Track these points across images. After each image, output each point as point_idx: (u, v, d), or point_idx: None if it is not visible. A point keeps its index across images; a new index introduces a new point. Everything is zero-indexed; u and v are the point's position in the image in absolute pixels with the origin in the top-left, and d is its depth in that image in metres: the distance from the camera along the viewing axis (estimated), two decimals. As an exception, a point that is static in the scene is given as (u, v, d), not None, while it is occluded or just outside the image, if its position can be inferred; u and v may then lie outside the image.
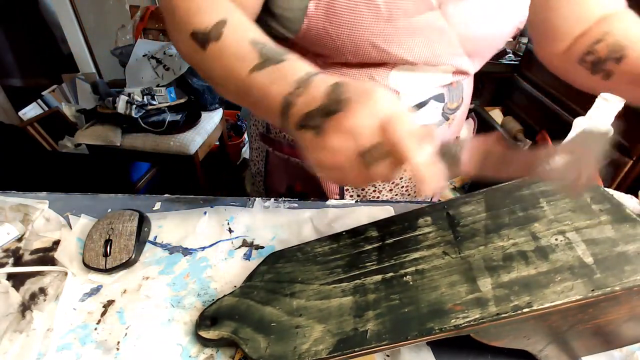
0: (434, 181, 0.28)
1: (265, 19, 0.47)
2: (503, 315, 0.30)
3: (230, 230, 0.50)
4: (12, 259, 0.47)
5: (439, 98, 0.54)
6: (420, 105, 0.53)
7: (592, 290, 0.29)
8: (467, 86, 0.58)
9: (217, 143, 1.85)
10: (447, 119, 0.56)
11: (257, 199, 0.55)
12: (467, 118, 0.73)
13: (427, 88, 0.52)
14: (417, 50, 0.46)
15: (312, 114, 0.31)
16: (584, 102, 1.46)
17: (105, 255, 0.45)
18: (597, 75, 0.50)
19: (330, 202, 0.55)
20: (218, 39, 0.38)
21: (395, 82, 0.51)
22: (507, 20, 0.49)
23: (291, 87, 0.33)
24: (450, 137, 0.61)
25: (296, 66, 0.35)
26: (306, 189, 0.63)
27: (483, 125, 2.09)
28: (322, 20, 0.43)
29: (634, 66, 0.46)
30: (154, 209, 0.54)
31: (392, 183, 0.60)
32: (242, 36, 0.37)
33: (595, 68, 0.50)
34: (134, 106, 1.61)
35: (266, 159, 0.67)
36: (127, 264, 0.45)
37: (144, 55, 1.79)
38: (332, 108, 0.30)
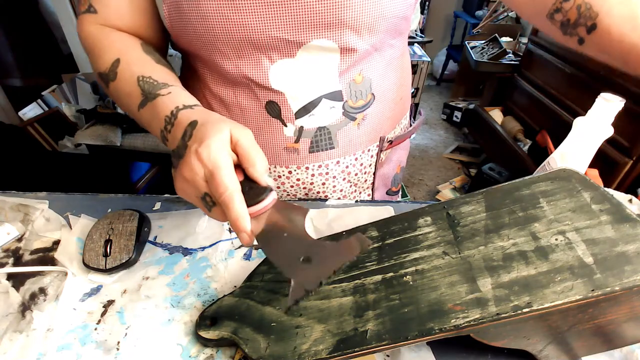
0: (246, 237, 0.32)
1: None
2: (503, 315, 0.30)
3: (230, 230, 0.50)
4: (12, 259, 0.47)
5: (334, 96, 0.48)
6: (312, 106, 0.48)
7: (592, 290, 0.29)
8: (378, 78, 0.51)
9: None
10: (354, 118, 0.51)
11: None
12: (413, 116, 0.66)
13: (315, 85, 0.47)
14: (278, 21, 0.41)
15: (173, 153, 0.36)
16: (584, 102, 1.46)
17: (105, 255, 0.45)
18: (570, 37, 0.47)
19: (330, 202, 0.55)
20: (115, 79, 0.42)
21: (277, 81, 0.46)
22: None
23: (162, 124, 0.38)
24: (364, 137, 0.54)
25: (167, 102, 0.38)
26: None
27: (483, 126, 2.09)
28: (174, 3, 0.41)
29: (606, 38, 0.43)
30: (154, 209, 0.54)
31: (304, 188, 0.56)
32: (132, 73, 0.41)
33: (566, 30, 0.47)
34: (134, 106, 1.61)
35: None
36: (127, 264, 0.45)
37: (143, 55, 1.79)
38: (180, 152, 0.34)
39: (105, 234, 0.46)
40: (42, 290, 0.43)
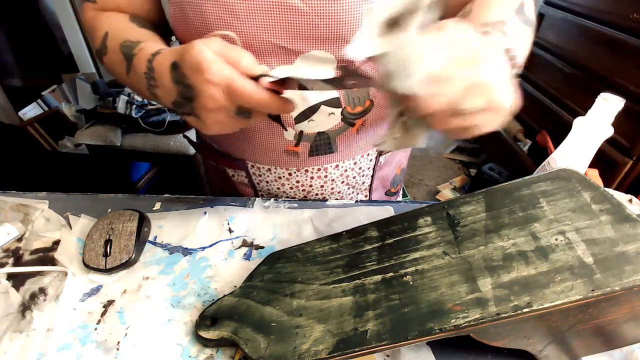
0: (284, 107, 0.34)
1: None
2: (503, 315, 0.30)
3: (230, 230, 0.50)
4: (12, 259, 0.47)
5: (333, 103, 0.48)
6: (310, 112, 0.48)
7: (592, 290, 0.29)
8: None
9: (217, 143, 1.85)
10: (352, 124, 0.51)
11: (257, 199, 0.55)
12: None
13: (313, 92, 0.47)
14: (278, 31, 0.42)
15: (177, 104, 0.36)
16: (584, 102, 1.46)
17: (105, 255, 0.45)
18: None
19: (330, 202, 0.55)
20: (106, 52, 0.44)
21: None
22: None
23: (146, 82, 0.38)
24: (363, 143, 0.54)
25: (141, 57, 0.38)
26: (232, 193, 0.63)
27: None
28: (179, 5, 0.42)
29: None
30: (154, 209, 0.54)
31: (303, 190, 0.57)
32: (117, 43, 0.42)
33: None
34: (134, 106, 1.61)
35: (204, 165, 0.69)
36: (127, 264, 0.45)
37: (144, 55, 1.79)
38: (187, 95, 0.34)
39: (105, 234, 0.46)
40: (42, 290, 0.43)
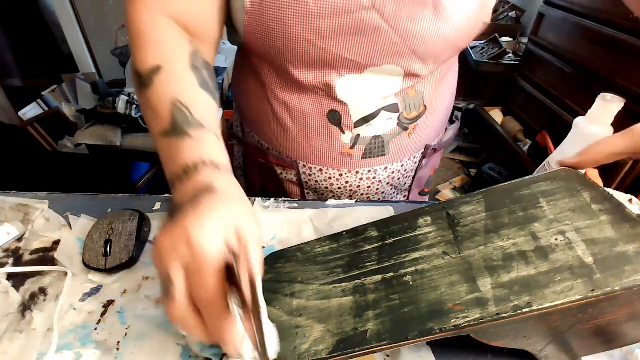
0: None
1: (228, 28, 0.49)
2: (503, 315, 0.30)
3: (230, 230, 0.50)
4: (12, 259, 0.47)
5: (392, 108, 0.51)
6: (371, 117, 0.51)
7: (592, 290, 0.29)
8: (430, 92, 0.53)
9: (217, 143, 1.85)
10: (406, 128, 0.54)
11: (257, 199, 0.55)
12: (453, 121, 0.70)
13: (376, 98, 0.50)
14: (356, 48, 0.44)
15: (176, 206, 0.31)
16: (584, 102, 1.46)
17: (105, 255, 0.45)
18: None
19: (330, 202, 0.55)
20: (149, 86, 0.38)
21: (342, 92, 0.49)
22: (463, 17, 0.44)
23: (177, 170, 0.33)
24: (412, 146, 0.57)
25: (191, 150, 0.34)
26: (276, 190, 0.64)
27: (483, 126, 2.09)
28: (258, 16, 0.42)
29: None
30: (154, 209, 0.54)
31: (350, 190, 0.59)
32: (168, 92, 0.37)
33: None
34: (134, 106, 1.61)
35: (244, 157, 0.69)
36: (127, 264, 0.45)
37: (144, 55, 1.78)
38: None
39: (105, 234, 0.46)
40: (42, 290, 0.43)
